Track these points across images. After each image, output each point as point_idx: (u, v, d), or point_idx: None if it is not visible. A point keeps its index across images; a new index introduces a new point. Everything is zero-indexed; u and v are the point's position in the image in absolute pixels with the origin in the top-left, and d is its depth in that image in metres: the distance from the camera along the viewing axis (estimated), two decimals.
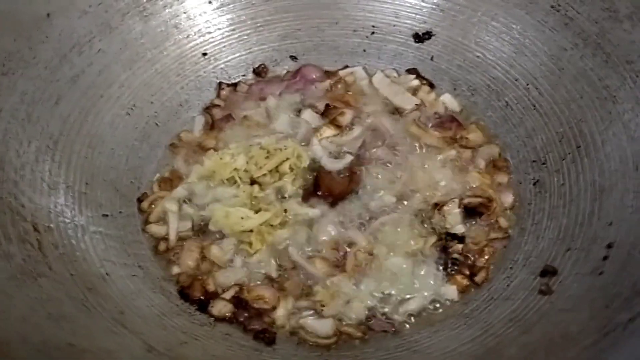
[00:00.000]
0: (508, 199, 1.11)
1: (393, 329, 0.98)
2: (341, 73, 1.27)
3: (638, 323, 0.75)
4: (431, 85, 1.26)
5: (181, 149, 1.18)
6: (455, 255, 1.05)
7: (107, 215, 1.05)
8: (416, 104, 1.21)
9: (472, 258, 1.05)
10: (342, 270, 1.02)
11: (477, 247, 1.06)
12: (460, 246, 1.05)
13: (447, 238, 1.06)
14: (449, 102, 1.23)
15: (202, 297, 0.98)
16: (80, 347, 0.78)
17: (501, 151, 1.16)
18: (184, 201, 1.10)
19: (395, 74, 1.28)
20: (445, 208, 1.08)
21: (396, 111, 1.21)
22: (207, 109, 1.24)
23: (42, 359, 0.70)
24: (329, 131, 1.17)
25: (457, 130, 1.18)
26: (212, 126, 1.21)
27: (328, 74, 1.27)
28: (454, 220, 1.07)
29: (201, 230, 1.08)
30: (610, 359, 0.76)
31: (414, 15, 1.28)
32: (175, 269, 1.03)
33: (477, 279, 1.03)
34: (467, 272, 1.03)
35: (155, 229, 1.08)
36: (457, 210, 1.08)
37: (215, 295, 0.99)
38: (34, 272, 0.87)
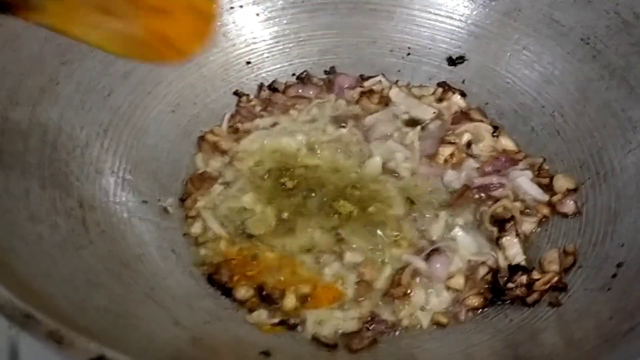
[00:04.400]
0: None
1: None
2: (366, 84, 1.32)
3: (637, 330, 0.79)
4: (462, 94, 1.30)
5: (204, 144, 1.22)
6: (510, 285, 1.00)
7: (146, 202, 1.11)
8: (434, 113, 1.26)
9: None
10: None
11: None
12: (524, 277, 1.00)
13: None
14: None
15: (227, 282, 1.02)
16: (114, 311, 0.85)
17: None
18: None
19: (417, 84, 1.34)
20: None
21: (416, 122, 1.26)
22: (237, 109, 1.28)
23: (82, 316, 0.75)
24: None
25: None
26: (235, 130, 1.25)
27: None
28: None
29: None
30: None
31: (449, 40, 1.34)
32: (203, 252, 1.08)
33: (529, 299, 0.99)
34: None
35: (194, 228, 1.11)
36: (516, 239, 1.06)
37: (239, 281, 1.03)
38: (77, 243, 0.93)
